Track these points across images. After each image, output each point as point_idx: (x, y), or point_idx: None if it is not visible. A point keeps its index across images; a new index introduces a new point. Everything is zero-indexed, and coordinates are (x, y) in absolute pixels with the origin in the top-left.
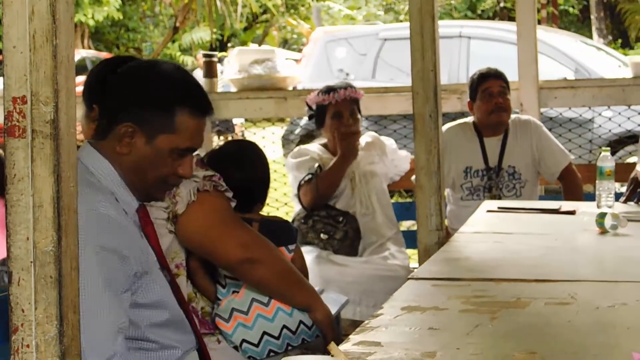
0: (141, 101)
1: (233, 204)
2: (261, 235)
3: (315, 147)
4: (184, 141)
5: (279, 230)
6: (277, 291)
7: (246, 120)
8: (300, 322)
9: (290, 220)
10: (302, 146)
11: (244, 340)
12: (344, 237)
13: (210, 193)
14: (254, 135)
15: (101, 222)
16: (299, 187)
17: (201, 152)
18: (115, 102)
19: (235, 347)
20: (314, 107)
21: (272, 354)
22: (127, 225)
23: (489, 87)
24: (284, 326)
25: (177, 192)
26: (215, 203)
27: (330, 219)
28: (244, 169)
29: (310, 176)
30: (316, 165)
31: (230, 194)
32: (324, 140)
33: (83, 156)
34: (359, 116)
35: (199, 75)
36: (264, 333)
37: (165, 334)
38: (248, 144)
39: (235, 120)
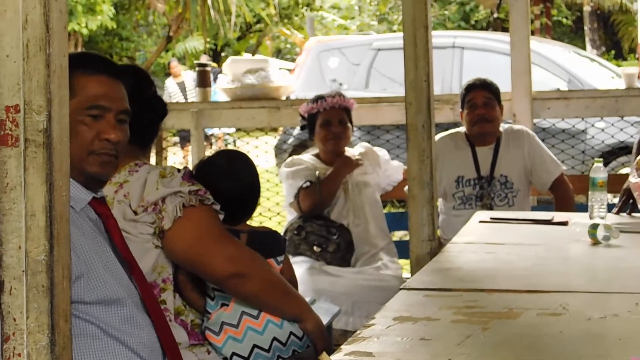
0: None
1: (221, 217)
2: (249, 248)
3: (307, 157)
4: (85, 100)
5: (267, 242)
6: (267, 304)
7: (239, 129)
8: (291, 333)
9: (282, 230)
10: (296, 156)
11: (234, 354)
12: (337, 249)
13: (196, 208)
14: (247, 144)
15: None
16: (298, 192)
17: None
18: None
19: (225, 359)
20: (305, 116)
21: None
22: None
23: (473, 97)
24: (274, 338)
25: (163, 208)
26: (202, 218)
27: (324, 229)
28: (234, 180)
29: (309, 183)
30: (317, 172)
31: (217, 207)
32: (316, 151)
33: None
34: (348, 124)
35: (171, 84)
36: (254, 346)
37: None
38: (238, 155)
39: (216, 130)
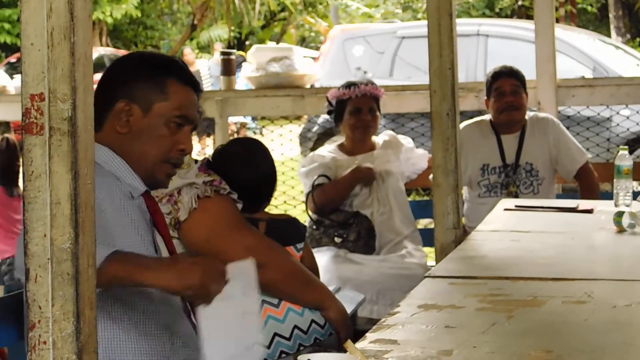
0: (131, 77)
1: (240, 205)
2: (266, 237)
3: (329, 149)
4: (177, 108)
5: (286, 229)
6: (287, 293)
7: (263, 118)
8: (312, 321)
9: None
10: (315, 152)
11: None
12: (358, 237)
13: (212, 198)
14: (271, 132)
15: None
16: (311, 189)
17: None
18: (106, 89)
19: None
20: (333, 102)
21: (283, 355)
22: (119, 214)
23: (500, 85)
24: (295, 326)
25: (179, 199)
26: (219, 208)
27: (341, 219)
28: (251, 168)
29: (323, 178)
30: (333, 170)
31: (234, 196)
32: (340, 140)
33: None
34: (377, 114)
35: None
36: (275, 334)
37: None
38: (253, 142)
39: (233, 119)
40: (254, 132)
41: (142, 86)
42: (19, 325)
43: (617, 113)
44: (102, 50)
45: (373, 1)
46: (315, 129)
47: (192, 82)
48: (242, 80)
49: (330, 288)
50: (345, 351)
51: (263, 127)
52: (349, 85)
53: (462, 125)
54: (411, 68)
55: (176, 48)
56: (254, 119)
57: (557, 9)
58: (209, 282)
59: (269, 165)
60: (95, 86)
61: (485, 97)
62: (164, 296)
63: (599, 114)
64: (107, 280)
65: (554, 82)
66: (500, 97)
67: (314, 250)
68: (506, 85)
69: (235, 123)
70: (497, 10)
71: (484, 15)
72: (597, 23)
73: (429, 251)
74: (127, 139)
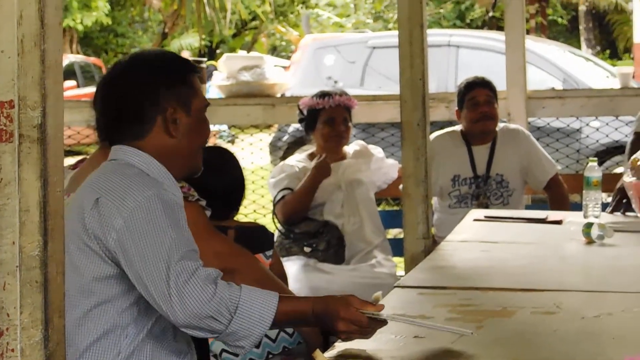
0: (165, 83)
1: (208, 213)
2: (236, 244)
3: (299, 158)
4: (203, 98)
5: (255, 237)
6: None
7: (234, 126)
8: (281, 329)
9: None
10: (285, 161)
11: (223, 350)
12: (327, 246)
13: None
14: (242, 141)
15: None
16: (275, 204)
17: None
18: (145, 97)
19: (215, 356)
20: (305, 111)
21: None
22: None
23: (475, 95)
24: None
25: None
26: (187, 215)
27: (311, 229)
28: (219, 175)
29: (284, 192)
30: (292, 185)
31: (203, 203)
32: (311, 149)
33: (122, 155)
34: (350, 124)
35: None
36: None
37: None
38: (221, 151)
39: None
40: (224, 140)
41: (180, 88)
42: None
43: (587, 125)
44: (73, 58)
45: (344, 11)
46: (285, 138)
47: (194, 69)
48: (213, 88)
49: None
50: None
51: (235, 135)
52: (322, 94)
53: (432, 135)
54: (382, 78)
55: None
56: (228, 127)
57: (527, 21)
58: None
59: (238, 173)
60: (66, 93)
61: (457, 108)
62: None
63: (568, 125)
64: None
65: (525, 93)
66: (474, 107)
67: (284, 260)
68: (481, 95)
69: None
70: (468, 21)
71: (454, 26)
72: (568, 35)
73: (399, 261)
74: (176, 142)
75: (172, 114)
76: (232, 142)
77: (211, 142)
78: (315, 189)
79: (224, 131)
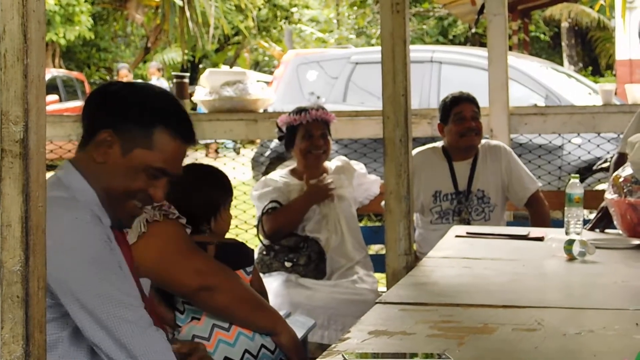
0: (123, 112)
1: (188, 230)
2: (216, 261)
3: (282, 174)
4: (159, 161)
5: (235, 253)
6: (238, 317)
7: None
8: (262, 345)
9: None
10: (267, 176)
11: None
12: (308, 261)
13: (160, 222)
14: (224, 157)
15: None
16: (262, 216)
17: None
18: (99, 113)
19: None
20: (283, 128)
21: None
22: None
23: (461, 110)
24: (246, 350)
25: None
26: (168, 232)
27: (291, 244)
28: (201, 190)
29: (274, 204)
30: (286, 194)
31: (183, 221)
32: (292, 165)
33: (63, 175)
34: (329, 138)
35: None
36: (225, 358)
37: None
38: (203, 167)
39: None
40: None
41: (128, 126)
42: None
43: (569, 141)
44: (55, 72)
45: (327, 26)
46: (267, 153)
47: (187, 138)
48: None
49: (281, 313)
50: None
51: (242, 145)
52: (299, 110)
53: (414, 151)
54: (365, 93)
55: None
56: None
57: (510, 37)
58: None
59: (220, 187)
60: (49, 108)
61: (440, 122)
62: None
63: (550, 142)
64: None
65: (507, 110)
66: (461, 122)
67: (265, 276)
68: (467, 110)
69: (210, 144)
70: (450, 37)
71: (437, 42)
72: (550, 51)
73: (380, 277)
74: (101, 169)
75: (105, 139)
76: (238, 152)
77: (212, 154)
78: (307, 210)
79: (223, 142)
